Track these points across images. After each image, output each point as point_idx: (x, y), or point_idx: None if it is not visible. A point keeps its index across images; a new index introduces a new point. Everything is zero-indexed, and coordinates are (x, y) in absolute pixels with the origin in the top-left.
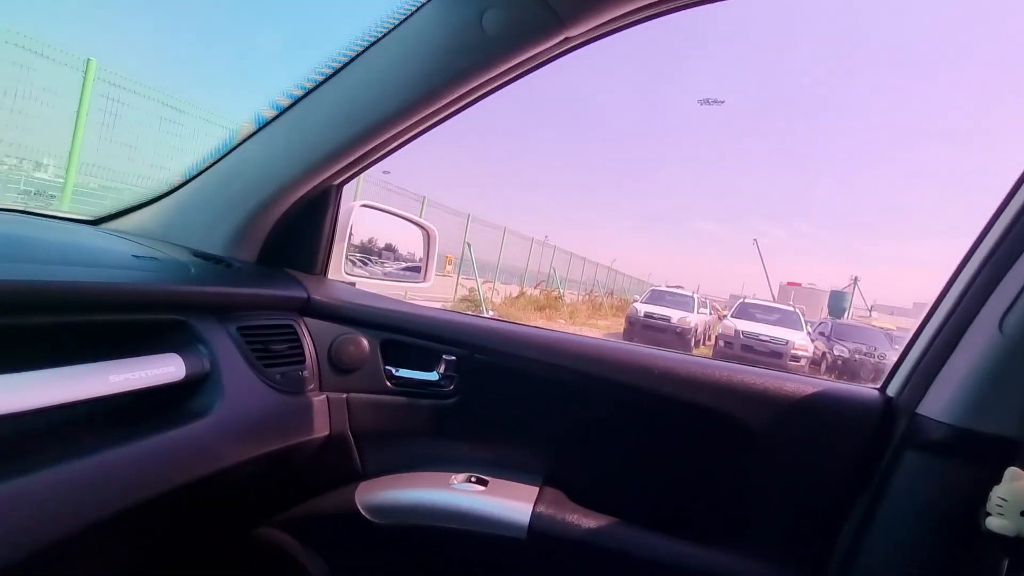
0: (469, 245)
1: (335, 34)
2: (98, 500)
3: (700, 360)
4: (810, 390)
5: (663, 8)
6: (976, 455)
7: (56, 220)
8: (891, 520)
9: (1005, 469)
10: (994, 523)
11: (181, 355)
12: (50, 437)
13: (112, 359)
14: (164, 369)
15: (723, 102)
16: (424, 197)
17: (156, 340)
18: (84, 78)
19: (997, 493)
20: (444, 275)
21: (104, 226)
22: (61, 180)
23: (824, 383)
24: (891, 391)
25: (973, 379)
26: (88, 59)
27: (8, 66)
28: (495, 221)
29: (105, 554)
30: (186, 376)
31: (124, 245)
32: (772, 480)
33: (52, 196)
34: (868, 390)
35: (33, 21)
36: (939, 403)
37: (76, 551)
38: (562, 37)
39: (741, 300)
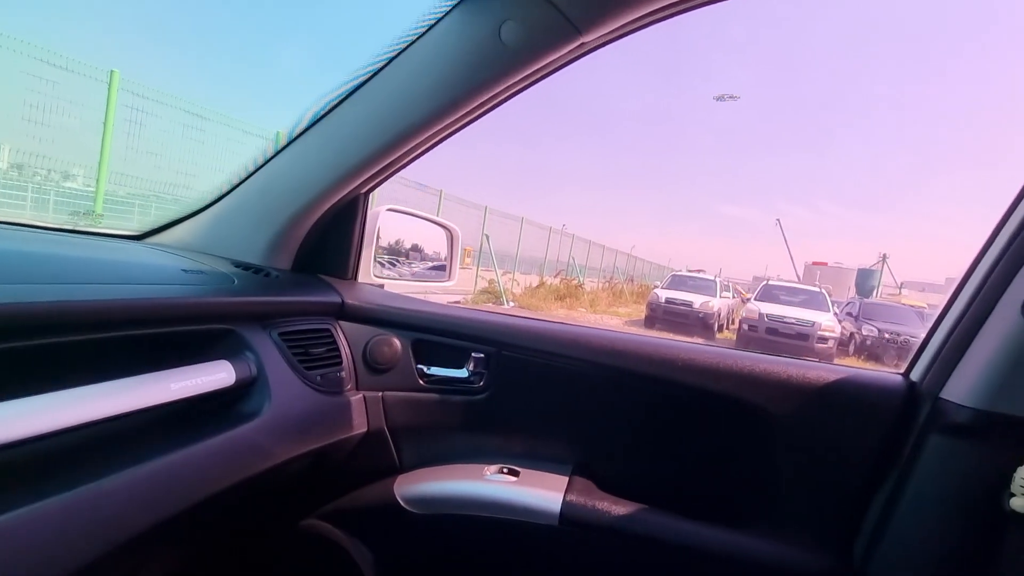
0: (487, 236)
1: (356, 44)
2: (165, 499)
3: (722, 350)
4: (833, 377)
5: (676, 9)
6: (999, 437)
7: (104, 237)
8: (916, 503)
9: None
10: (1018, 503)
11: (231, 361)
12: (119, 443)
13: (169, 368)
14: (217, 375)
15: (738, 97)
16: (441, 191)
17: (207, 348)
18: (109, 89)
19: (1021, 474)
20: (463, 267)
21: (149, 240)
22: (90, 189)
23: (847, 370)
24: (914, 376)
25: (996, 363)
26: (112, 71)
27: (36, 81)
28: (513, 212)
29: (168, 550)
30: (236, 381)
31: (173, 260)
32: (797, 465)
33: (101, 216)
34: (891, 375)
35: (57, 36)
36: (962, 387)
37: (143, 549)
38: (578, 43)
39: (765, 282)
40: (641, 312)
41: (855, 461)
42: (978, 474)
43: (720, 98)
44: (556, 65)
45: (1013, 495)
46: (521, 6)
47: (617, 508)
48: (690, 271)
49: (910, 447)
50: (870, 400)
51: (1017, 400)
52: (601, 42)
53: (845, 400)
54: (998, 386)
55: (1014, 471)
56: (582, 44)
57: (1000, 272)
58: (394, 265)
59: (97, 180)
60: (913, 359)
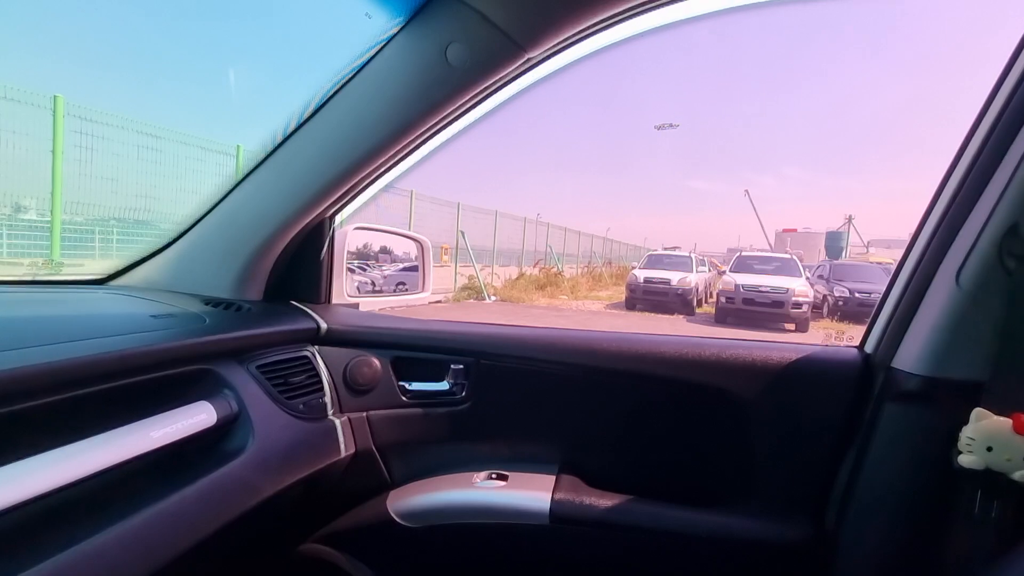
0: (463, 233)
1: (304, 61)
2: (158, 548)
3: (690, 340)
4: (794, 356)
5: (619, 18)
6: (945, 400)
7: (68, 286)
8: (877, 467)
9: (971, 410)
10: (965, 460)
11: (210, 401)
12: (106, 498)
13: (148, 415)
14: (197, 417)
15: (678, 125)
16: (412, 191)
17: (185, 391)
18: (54, 115)
19: (966, 433)
20: (441, 265)
21: (113, 284)
22: (46, 220)
23: (807, 348)
24: (868, 348)
25: (938, 331)
26: (55, 96)
27: None
28: (486, 206)
29: None
30: (218, 421)
31: (140, 306)
32: (768, 443)
33: (61, 264)
34: (848, 350)
35: None
36: (910, 356)
37: None
38: (524, 59)
39: (738, 253)
40: (621, 294)
41: (820, 434)
42: (929, 436)
43: (661, 127)
44: (504, 81)
45: (960, 452)
46: (464, 29)
47: (604, 501)
48: (666, 249)
49: (868, 416)
50: (829, 375)
51: (957, 364)
52: (547, 55)
53: (807, 377)
54: (941, 352)
55: (959, 430)
56: (528, 59)
57: (938, 242)
58: (365, 270)
59: (52, 213)
60: (866, 332)
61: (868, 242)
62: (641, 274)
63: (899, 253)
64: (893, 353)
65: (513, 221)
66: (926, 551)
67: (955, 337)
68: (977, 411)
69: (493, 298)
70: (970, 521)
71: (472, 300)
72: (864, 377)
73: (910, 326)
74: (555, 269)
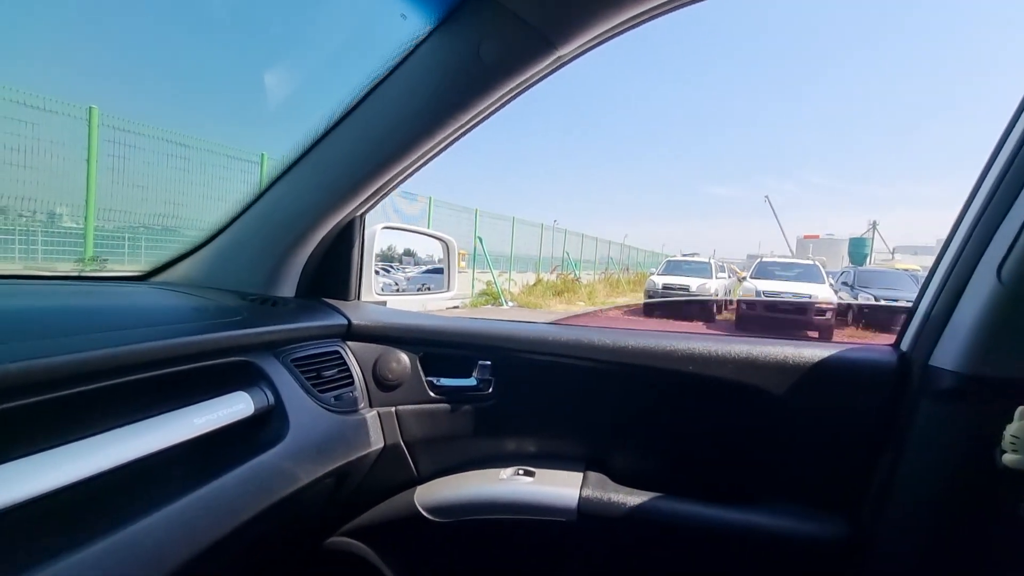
0: (481, 239)
1: (336, 65)
2: (199, 532)
3: (719, 337)
4: (827, 354)
5: (647, 16)
6: (987, 399)
7: (112, 281)
8: (915, 466)
9: (1015, 409)
10: (1009, 459)
11: (248, 392)
12: (151, 482)
13: (191, 404)
14: (236, 407)
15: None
16: (430, 197)
17: (225, 381)
18: (89, 126)
19: (1010, 431)
20: (460, 271)
21: (154, 280)
22: (80, 227)
23: (840, 346)
24: (904, 346)
25: (978, 328)
26: (90, 107)
27: (14, 124)
28: (503, 212)
29: None
30: (255, 410)
31: (182, 299)
32: (801, 441)
33: (105, 260)
34: (883, 347)
35: (29, 77)
36: (949, 354)
37: None
38: (554, 57)
39: (759, 260)
40: (639, 300)
41: (855, 432)
42: (970, 435)
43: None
44: (534, 79)
45: (1004, 452)
46: (497, 27)
47: (632, 498)
48: (684, 255)
49: (905, 415)
50: (863, 373)
51: (1000, 362)
52: (576, 54)
53: (840, 375)
54: (982, 350)
55: (1003, 429)
56: (558, 58)
57: (978, 236)
58: (389, 271)
59: (85, 219)
60: (902, 329)
61: (894, 248)
62: (660, 280)
63: (927, 259)
64: (931, 351)
65: (530, 227)
66: (967, 552)
67: (997, 333)
68: (1022, 409)
69: (511, 304)
70: (1015, 523)
71: (490, 306)
72: (900, 375)
73: (949, 323)
74: (572, 275)
